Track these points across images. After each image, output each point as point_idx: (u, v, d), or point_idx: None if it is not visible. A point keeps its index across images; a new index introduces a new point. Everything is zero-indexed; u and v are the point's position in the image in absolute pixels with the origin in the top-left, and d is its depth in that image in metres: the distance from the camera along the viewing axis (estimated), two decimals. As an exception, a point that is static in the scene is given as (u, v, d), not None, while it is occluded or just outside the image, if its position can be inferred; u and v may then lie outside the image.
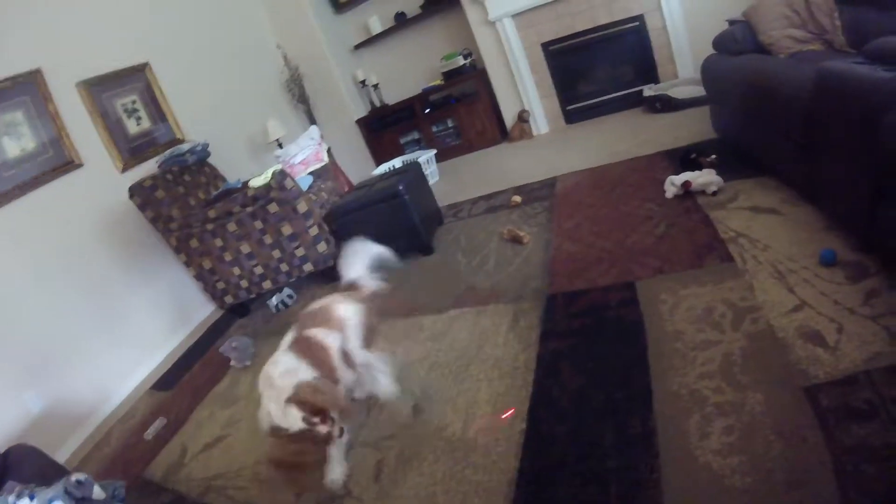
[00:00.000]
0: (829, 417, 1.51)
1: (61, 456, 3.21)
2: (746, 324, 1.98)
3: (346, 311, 2.20)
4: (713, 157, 3.30)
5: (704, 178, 3.04)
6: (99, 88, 4.29)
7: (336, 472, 1.98)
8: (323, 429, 1.86)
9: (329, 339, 2.09)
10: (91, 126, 4.16)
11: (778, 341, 1.84)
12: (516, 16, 5.59)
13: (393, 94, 6.79)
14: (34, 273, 3.54)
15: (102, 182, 4.10)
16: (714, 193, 3.00)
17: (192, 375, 3.57)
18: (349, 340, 2.15)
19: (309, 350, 2.03)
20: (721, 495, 1.45)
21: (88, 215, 3.97)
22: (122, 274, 4.07)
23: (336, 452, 1.99)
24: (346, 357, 2.13)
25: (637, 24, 5.26)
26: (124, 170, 4.29)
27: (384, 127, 6.68)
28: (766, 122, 2.78)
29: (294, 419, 1.83)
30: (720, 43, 3.43)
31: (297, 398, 1.85)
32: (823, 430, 1.48)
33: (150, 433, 3.03)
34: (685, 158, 3.43)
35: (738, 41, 3.25)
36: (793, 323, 1.90)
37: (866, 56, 2.08)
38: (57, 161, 3.85)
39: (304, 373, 1.95)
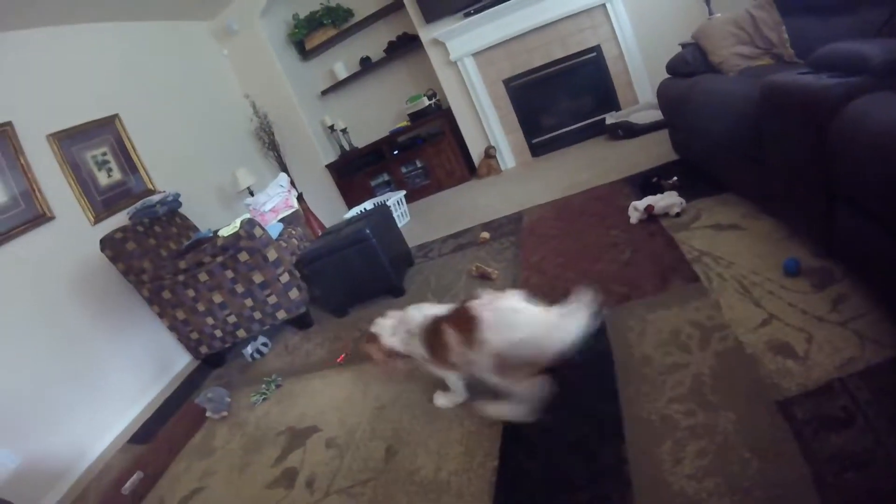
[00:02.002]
0: (805, 429, 1.46)
1: (40, 513, 3.11)
2: (714, 343, 1.94)
3: None
4: (674, 179, 3.31)
5: (666, 200, 3.03)
6: (69, 141, 4.27)
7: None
8: None
9: None
10: (62, 178, 4.13)
11: (747, 357, 1.80)
12: (476, 55, 5.68)
13: (361, 138, 6.85)
14: (5, 328, 3.45)
15: (74, 235, 4.05)
16: (677, 215, 2.99)
17: (168, 428, 3.46)
18: None
19: None
20: (697, 521, 1.38)
21: (61, 269, 3.90)
22: (97, 327, 3.98)
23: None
24: None
25: (594, 54, 5.37)
26: (96, 222, 4.24)
27: (354, 170, 6.69)
28: (719, 139, 2.79)
29: None
30: (673, 66, 3.48)
31: None
32: (800, 443, 1.43)
33: (127, 488, 2.92)
34: (647, 183, 3.44)
35: (690, 63, 3.29)
36: (761, 337, 1.86)
37: (811, 65, 2.10)
38: (29, 214, 3.80)
39: None
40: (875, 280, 1.79)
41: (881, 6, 2.59)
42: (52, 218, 3.94)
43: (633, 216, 3.17)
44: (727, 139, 2.67)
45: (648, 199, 3.11)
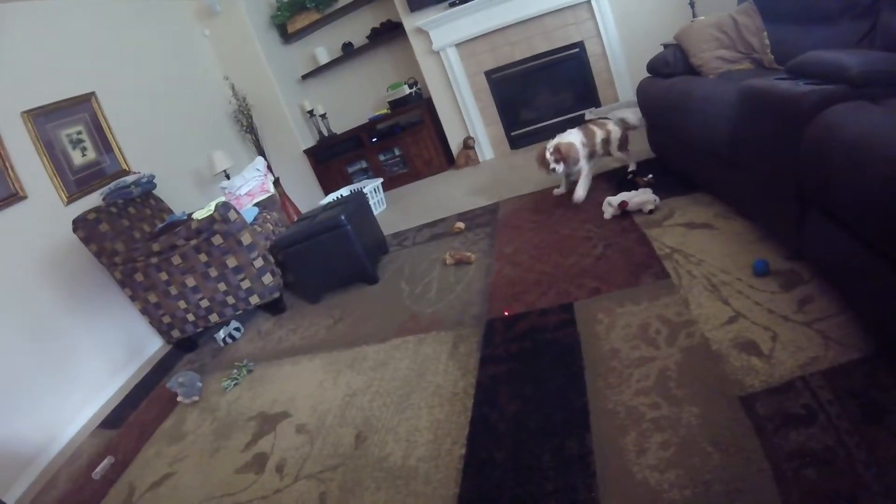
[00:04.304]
0: (767, 425, 1.50)
1: (10, 499, 3.05)
2: (682, 338, 1.97)
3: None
4: (649, 176, 3.35)
5: (640, 197, 3.07)
6: (44, 119, 4.15)
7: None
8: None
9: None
10: (36, 157, 4.01)
11: (713, 353, 1.84)
12: (459, 45, 5.67)
13: (340, 124, 6.79)
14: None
15: (47, 215, 3.95)
16: (651, 212, 3.03)
17: (139, 412, 3.42)
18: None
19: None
20: (659, 511, 1.41)
21: (32, 249, 3.80)
22: (68, 310, 3.89)
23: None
24: None
25: (577, 50, 5.39)
26: (69, 202, 4.13)
27: (332, 156, 6.64)
28: (696, 140, 2.82)
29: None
30: (653, 66, 3.50)
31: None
32: (761, 438, 1.47)
33: (97, 473, 2.89)
34: (622, 179, 3.49)
35: (670, 64, 3.32)
36: (728, 334, 1.90)
37: (789, 72, 2.13)
38: (1, 193, 3.70)
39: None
40: (842, 283, 1.83)
41: (862, 19, 2.64)
42: (24, 197, 3.83)
43: (607, 212, 3.20)
44: (704, 140, 2.70)
45: (623, 196, 3.15)
